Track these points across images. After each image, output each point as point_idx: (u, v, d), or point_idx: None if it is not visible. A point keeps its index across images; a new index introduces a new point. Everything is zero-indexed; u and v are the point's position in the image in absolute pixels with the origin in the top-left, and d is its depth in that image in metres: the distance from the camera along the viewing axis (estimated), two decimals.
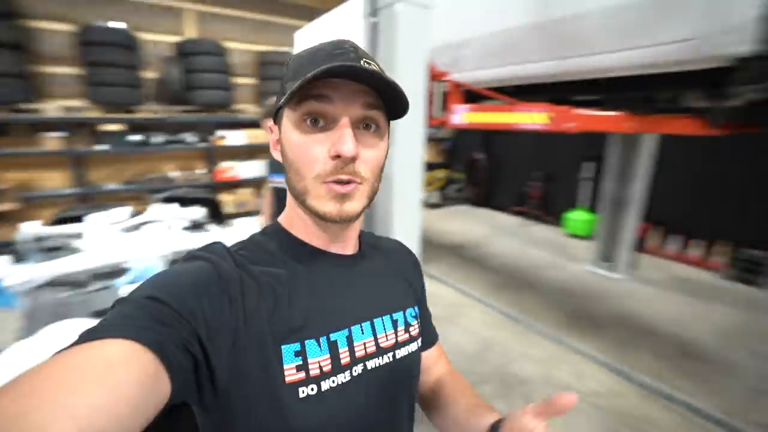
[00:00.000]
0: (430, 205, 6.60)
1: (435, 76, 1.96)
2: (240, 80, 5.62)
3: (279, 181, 2.03)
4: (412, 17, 1.55)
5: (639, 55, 1.69)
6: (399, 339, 0.56)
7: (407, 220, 1.74)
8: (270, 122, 0.54)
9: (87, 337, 0.33)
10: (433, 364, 0.69)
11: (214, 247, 0.49)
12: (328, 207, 0.47)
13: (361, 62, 0.45)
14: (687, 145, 3.90)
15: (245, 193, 5.44)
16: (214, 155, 5.23)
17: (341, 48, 0.47)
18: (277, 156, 0.53)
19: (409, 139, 1.69)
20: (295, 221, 0.54)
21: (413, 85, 1.63)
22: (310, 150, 0.46)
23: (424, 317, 0.67)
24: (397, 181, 1.68)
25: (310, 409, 0.45)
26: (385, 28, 1.60)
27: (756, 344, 2.62)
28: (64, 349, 0.32)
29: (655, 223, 4.31)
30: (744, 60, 1.37)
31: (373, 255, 0.61)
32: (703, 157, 3.95)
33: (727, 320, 2.96)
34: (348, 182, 0.47)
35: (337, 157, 0.45)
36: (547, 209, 5.60)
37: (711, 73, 1.54)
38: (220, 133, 5.10)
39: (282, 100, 0.46)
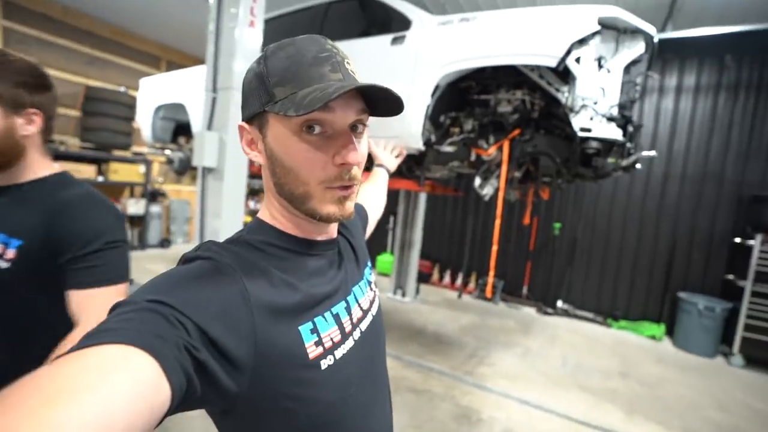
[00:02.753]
0: None
1: None
2: (61, 110, 5.28)
3: None
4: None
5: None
6: (371, 297, 0.64)
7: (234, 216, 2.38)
8: (240, 123, 0.54)
9: (84, 343, 0.32)
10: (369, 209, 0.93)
11: (208, 246, 0.49)
12: (331, 209, 0.50)
13: (345, 64, 0.49)
14: (444, 201, 5.70)
15: None
16: None
17: (325, 50, 0.48)
18: (253, 157, 0.54)
19: (235, 181, 2.37)
20: (281, 218, 0.55)
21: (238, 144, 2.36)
22: (313, 157, 0.48)
23: (359, 210, 0.83)
24: (225, 216, 2.32)
25: (332, 377, 0.49)
26: (222, 102, 2.31)
27: (480, 333, 4.03)
28: (62, 355, 0.31)
29: (432, 260, 5.89)
30: (421, 152, 2.62)
31: (342, 232, 0.66)
32: (452, 211, 5.77)
33: (468, 322, 4.39)
34: (349, 186, 0.51)
35: (343, 164, 0.49)
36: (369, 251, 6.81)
37: (417, 157, 2.78)
38: None
39: (276, 108, 0.46)
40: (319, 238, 0.57)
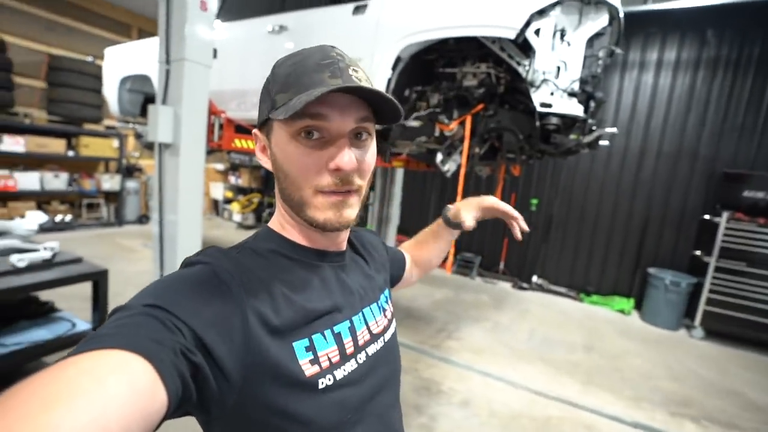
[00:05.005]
0: (245, 227, 7.06)
1: (213, 113, 2.66)
2: (23, 80, 5.05)
3: None
4: (196, 71, 2.23)
5: None
6: (386, 323, 0.62)
7: (191, 228, 2.33)
8: (254, 130, 0.56)
9: (82, 347, 0.32)
10: (409, 258, 0.89)
11: (210, 252, 0.48)
12: (328, 215, 0.50)
13: (350, 70, 0.48)
14: (423, 177, 5.68)
15: (22, 207, 4.80)
16: None
17: (329, 57, 0.48)
18: (264, 163, 0.55)
19: (192, 157, 2.31)
20: (288, 227, 0.55)
21: (197, 119, 2.28)
22: (308, 163, 0.48)
23: (392, 252, 0.82)
24: (182, 192, 2.26)
25: (328, 398, 0.47)
26: (175, 75, 2.21)
27: (452, 308, 4.10)
28: (59, 361, 0.31)
29: (410, 236, 5.89)
30: (385, 127, 2.56)
31: (356, 248, 0.65)
32: (430, 187, 5.76)
33: (442, 297, 4.45)
34: (346, 191, 0.50)
35: (337, 170, 0.48)
36: None
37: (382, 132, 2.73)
38: None
39: (274, 114, 0.48)
40: (327, 249, 0.57)
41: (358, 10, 2.40)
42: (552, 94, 2.03)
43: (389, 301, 0.68)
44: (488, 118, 2.40)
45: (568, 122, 2.13)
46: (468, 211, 0.89)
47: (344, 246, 0.60)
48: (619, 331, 3.91)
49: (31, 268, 1.63)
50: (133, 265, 4.30)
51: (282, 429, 0.45)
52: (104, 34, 5.91)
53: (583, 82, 2.04)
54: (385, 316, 0.63)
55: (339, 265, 0.58)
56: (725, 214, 3.76)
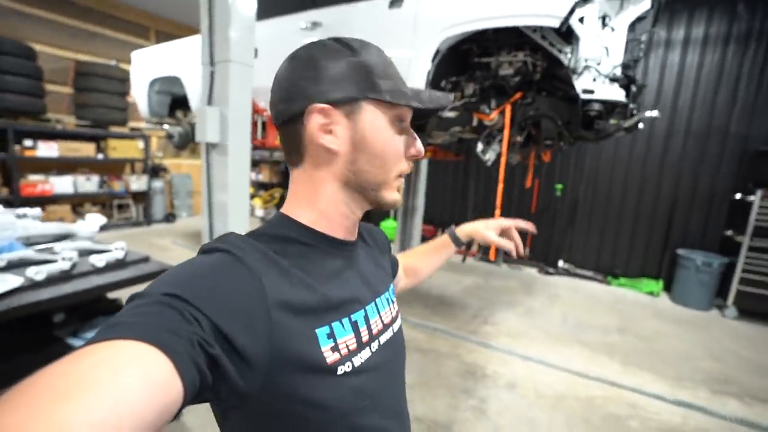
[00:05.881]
0: None
1: (257, 111, 2.72)
2: (52, 87, 5.18)
3: None
4: (240, 72, 2.29)
5: None
6: (393, 314, 0.63)
7: (240, 227, 2.41)
8: (320, 106, 0.49)
9: (98, 337, 0.32)
10: (400, 265, 0.87)
11: (229, 239, 0.48)
12: (396, 196, 0.56)
13: None
14: (445, 166, 5.70)
15: (58, 210, 4.97)
16: (16, 167, 4.63)
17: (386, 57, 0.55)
18: (327, 142, 0.50)
19: (239, 156, 2.39)
20: (316, 213, 0.54)
21: (242, 119, 2.35)
22: (400, 147, 0.54)
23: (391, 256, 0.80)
24: (231, 191, 2.34)
25: (347, 384, 0.48)
26: (220, 76, 2.28)
27: (483, 294, 4.16)
28: (75, 350, 0.31)
29: (435, 225, 5.96)
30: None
31: (364, 237, 0.66)
32: (454, 176, 5.79)
33: (472, 283, 4.51)
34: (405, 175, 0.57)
35: (414, 156, 0.56)
36: (368, 220, 6.92)
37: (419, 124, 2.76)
38: (28, 142, 4.60)
39: (389, 98, 0.50)
40: (345, 239, 0.57)
41: (394, 3, 2.43)
42: (594, 80, 2.05)
43: (394, 295, 0.69)
44: (526, 106, 2.42)
45: (609, 107, 2.15)
46: (487, 229, 0.92)
47: (356, 236, 0.61)
48: (651, 312, 3.93)
49: (108, 267, 1.73)
50: (172, 262, 4.44)
51: (303, 415, 0.46)
52: (124, 38, 6.01)
53: (625, 66, 2.05)
54: (393, 307, 0.64)
55: (353, 254, 0.59)
56: (759, 192, 3.72)
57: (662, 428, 2.16)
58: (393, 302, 0.65)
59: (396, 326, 0.62)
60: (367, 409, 0.51)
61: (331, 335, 0.48)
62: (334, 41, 0.53)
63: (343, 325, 0.50)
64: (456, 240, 0.93)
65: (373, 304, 0.58)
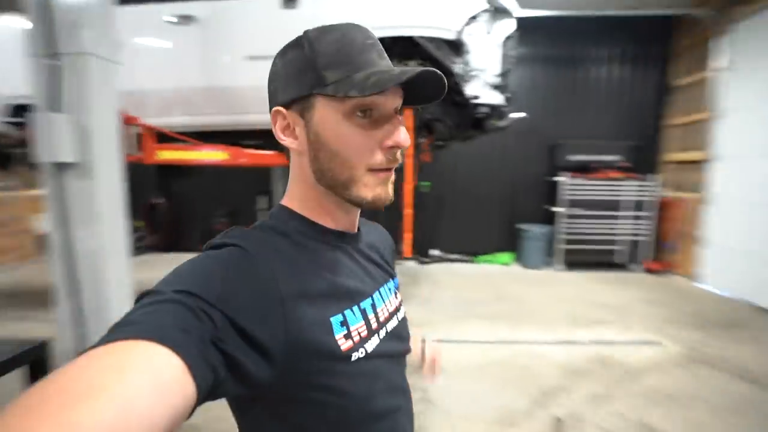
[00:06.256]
0: None
1: (127, 120, 2.17)
2: None
3: None
4: (103, 69, 1.77)
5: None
6: (397, 304, 0.64)
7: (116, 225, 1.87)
8: (277, 108, 0.51)
9: (109, 337, 0.32)
10: None
11: (235, 233, 0.48)
12: (377, 192, 0.50)
13: (384, 51, 0.51)
14: None
15: None
16: None
17: (370, 38, 0.49)
18: (289, 143, 0.52)
19: (109, 179, 1.85)
20: (311, 206, 0.54)
21: (107, 129, 1.82)
22: (363, 141, 0.48)
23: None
24: (103, 226, 1.79)
25: (361, 370, 0.49)
26: (73, 73, 1.71)
27: None
28: (85, 351, 0.31)
29: None
30: None
31: (365, 233, 0.65)
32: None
33: None
34: (391, 168, 0.51)
35: (392, 147, 0.49)
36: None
37: None
38: None
39: (333, 90, 0.46)
40: (346, 231, 0.57)
41: (289, 3, 2.29)
42: (481, 87, 2.39)
43: (397, 288, 0.69)
44: (421, 111, 2.64)
45: (492, 110, 2.54)
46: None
47: (356, 228, 0.61)
48: (511, 278, 4.81)
49: None
50: None
51: (321, 402, 0.46)
52: None
53: (502, 76, 2.46)
54: (395, 298, 0.64)
55: (355, 247, 0.59)
56: (563, 175, 5.01)
57: (558, 364, 2.69)
58: (395, 293, 0.66)
59: (400, 315, 0.63)
60: (380, 392, 0.52)
61: (344, 323, 0.49)
62: (304, 32, 0.50)
63: (354, 313, 0.51)
64: None
65: (377, 293, 0.58)
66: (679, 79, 5.15)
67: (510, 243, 5.64)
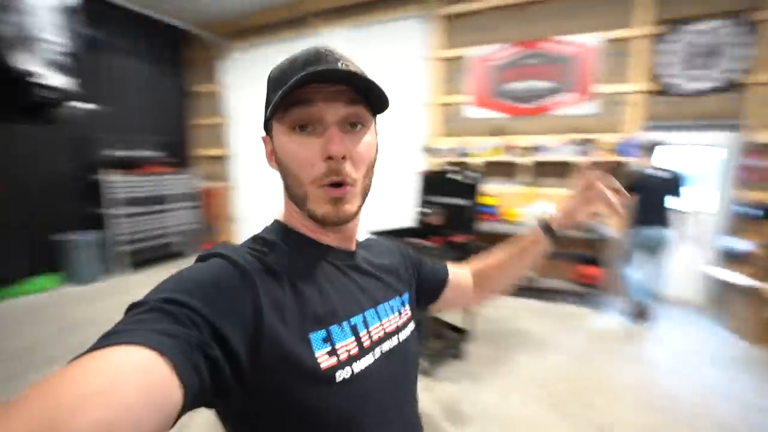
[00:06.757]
0: None
1: None
2: None
3: None
4: None
5: None
6: (399, 323, 0.60)
7: None
8: (262, 135, 0.55)
9: (98, 344, 0.32)
10: (462, 275, 0.78)
11: (223, 246, 0.48)
12: (325, 209, 0.50)
13: (338, 64, 0.47)
14: None
15: None
16: None
17: (318, 54, 0.48)
18: (273, 167, 0.54)
19: None
20: (296, 222, 0.55)
21: None
22: (303, 155, 0.48)
23: (429, 266, 0.75)
24: None
25: (347, 391, 0.47)
26: None
27: None
28: (75, 358, 0.31)
29: None
30: None
31: (365, 250, 0.64)
32: None
33: None
34: (341, 185, 0.49)
35: (329, 158, 0.47)
36: None
37: None
38: None
39: (268, 113, 0.49)
40: (335, 245, 0.57)
41: None
42: (39, 63, 1.82)
43: (406, 306, 0.65)
44: None
45: (58, 94, 1.98)
46: (586, 200, 0.71)
47: (353, 246, 0.60)
48: (64, 304, 3.79)
49: None
50: None
51: (298, 419, 0.44)
52: None
53: (69, 56, 1.95)
54: (399, 317, 0.61)
55: (348, 264, 0.57)
56: (104, 173, 4.51)
57: None
58: (401, 312, 0.62)
59: (402, 336, 0.59)
60: (370, 415, 0.49)
61: (328, 339, 0.47)
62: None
63: (342, 329, 0.50)
64: (548, 229, 0.74)
65: (372, 310, 0.56)
66: (196, 87, 5.95)
67: (50, 262, 4.32)
